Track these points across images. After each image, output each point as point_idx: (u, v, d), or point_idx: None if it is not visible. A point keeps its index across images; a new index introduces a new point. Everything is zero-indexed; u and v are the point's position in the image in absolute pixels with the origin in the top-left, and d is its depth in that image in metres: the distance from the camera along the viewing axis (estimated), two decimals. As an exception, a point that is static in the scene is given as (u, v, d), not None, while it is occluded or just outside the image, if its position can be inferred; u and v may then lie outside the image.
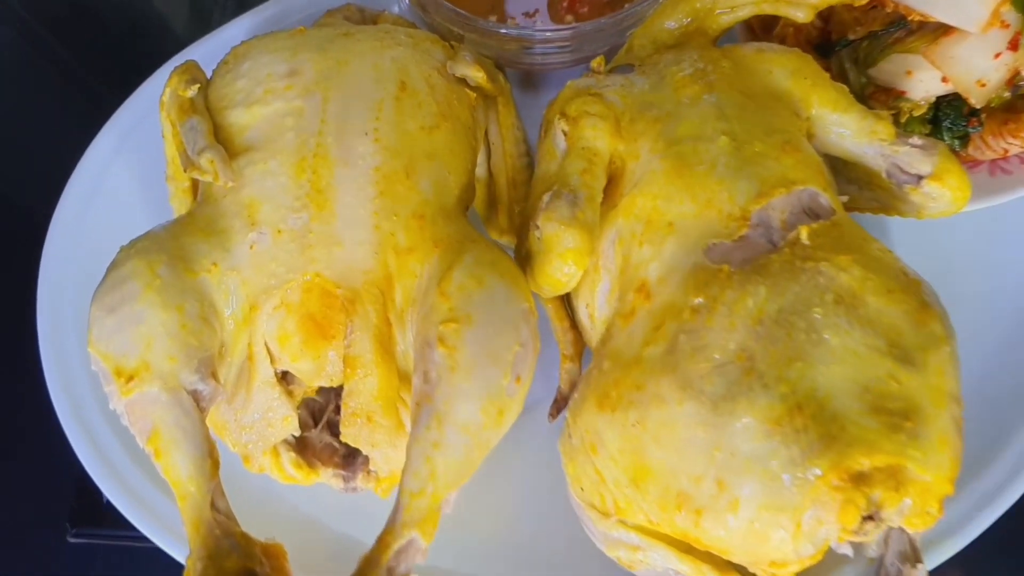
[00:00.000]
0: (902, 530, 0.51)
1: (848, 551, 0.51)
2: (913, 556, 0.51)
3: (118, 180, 0.80)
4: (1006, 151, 0.72)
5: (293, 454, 0.65)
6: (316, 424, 0.66)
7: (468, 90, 0.70)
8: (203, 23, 0.98)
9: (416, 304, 0.60)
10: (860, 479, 0.48)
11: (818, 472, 0.48)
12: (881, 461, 0.48)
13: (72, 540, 0.76)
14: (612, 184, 0.63)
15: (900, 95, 0.72)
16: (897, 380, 0.50)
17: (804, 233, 0.55)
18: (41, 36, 1.04)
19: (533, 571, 0.67)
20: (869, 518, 0.49)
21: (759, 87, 0.64)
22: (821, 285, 0.53)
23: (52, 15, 1.05)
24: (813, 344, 0.51)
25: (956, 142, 0.72)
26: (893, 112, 0.71)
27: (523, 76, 0.84)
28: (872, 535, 0.50)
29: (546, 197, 0.60)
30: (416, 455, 0.54)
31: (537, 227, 0.60)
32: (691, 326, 0.54)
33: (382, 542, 0.52)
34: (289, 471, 0.65)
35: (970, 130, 0.72)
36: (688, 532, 0.54)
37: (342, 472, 0.66)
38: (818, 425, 0.49)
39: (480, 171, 0.74)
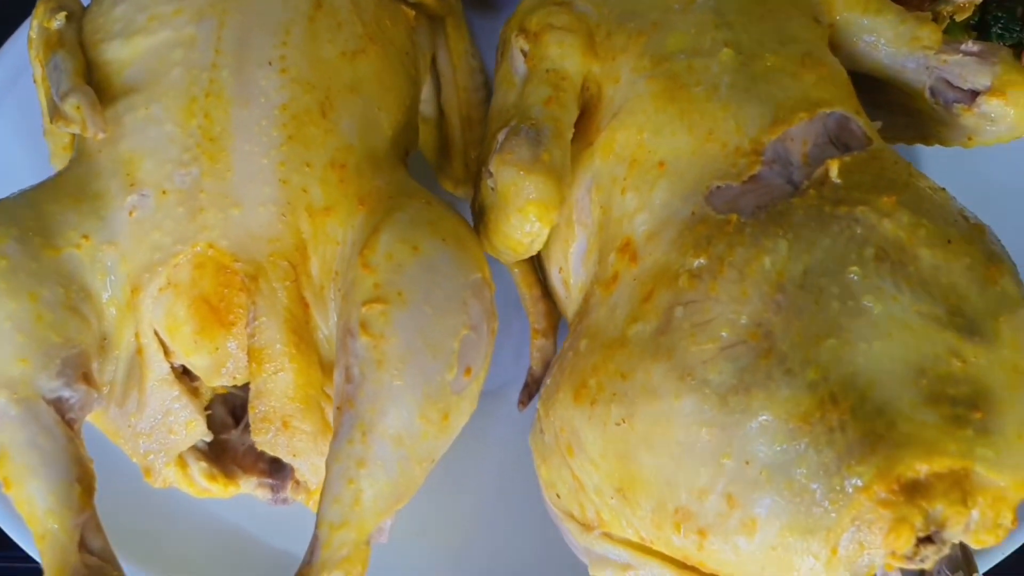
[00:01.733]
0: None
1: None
2: (967, 567, 0.43)
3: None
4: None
5: (204, 463, 0.55)
6: (237, 423, 0.56)
7: (405, 7, 0.59)
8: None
9: (339, 278, 0.50)
10: (915, 489, 0.41)
11: (859, 482, 0.41)
12: (942, 465, 0.41)
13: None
14: (586, 116, 0.53)
15: (938, -5, 0.63)
16: (961, 358, 0.42)
17: (834, 168, 0.46)
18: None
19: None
20: (927, 539, 0.41)
21: None
22: (859, 237, 0.44)
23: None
24: (850, 315, 0.43)
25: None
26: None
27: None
28: (931, 561, 0.41)
29: (501, 135, 0.50)
30: (336, 476, 0.44)
31: (490, 173, 0.50)
32: (690, 296, 0.45)
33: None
34: (201, 484, 0.55)
35: (1027, 36, 0.63)
36: (689, 555, 0.46)
37: (268, 481, 0.56)
38: (859, 421, 0.41)
39: (429, 109, 0.65)
